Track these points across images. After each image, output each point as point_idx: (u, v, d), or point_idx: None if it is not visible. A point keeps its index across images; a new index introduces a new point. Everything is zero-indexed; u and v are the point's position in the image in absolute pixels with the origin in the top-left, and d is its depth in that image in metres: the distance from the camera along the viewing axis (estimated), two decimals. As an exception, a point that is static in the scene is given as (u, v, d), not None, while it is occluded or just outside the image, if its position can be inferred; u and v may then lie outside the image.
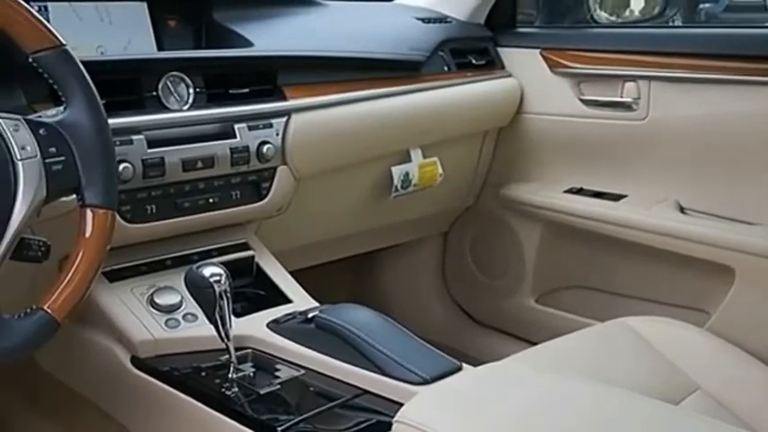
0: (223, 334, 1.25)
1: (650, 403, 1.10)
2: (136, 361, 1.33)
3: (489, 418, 1.04)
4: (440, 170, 1.89)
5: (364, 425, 1.17)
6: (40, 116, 1.09)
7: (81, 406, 1.44)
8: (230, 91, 1.49)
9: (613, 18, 2.10)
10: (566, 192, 1.95)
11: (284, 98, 1.56)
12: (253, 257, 1.55)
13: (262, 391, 1.23)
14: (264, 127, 1.50)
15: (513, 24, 2.12)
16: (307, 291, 1.51)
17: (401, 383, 1.21)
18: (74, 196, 1.09)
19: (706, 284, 1.76)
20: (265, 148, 1.49)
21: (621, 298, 1.92)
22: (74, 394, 1.46)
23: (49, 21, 1.13)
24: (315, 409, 1.20)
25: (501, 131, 2.07)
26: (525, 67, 2.01)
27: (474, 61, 1.99)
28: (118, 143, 1.24)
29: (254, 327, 1.37)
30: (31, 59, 1.08)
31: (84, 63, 1.11)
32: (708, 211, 1.77)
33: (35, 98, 1.24)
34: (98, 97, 1.11)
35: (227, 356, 1.28)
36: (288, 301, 1.48)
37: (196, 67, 1.47)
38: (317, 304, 1.45)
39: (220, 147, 1.44)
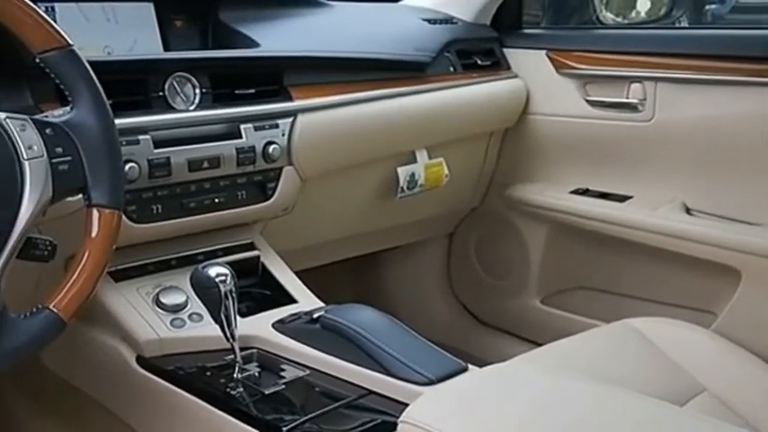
0: (228, 334, 1.25)
1: (655, 404, 1.10)
2: (141, 360, 1.34)
3: (495, 418, 1.04)
4: (446, 171, 1.89)
5: (369, 425, 1.17)
6: (46, 116, 1.09)
7: (86, 405, 1.44)
8: (236, 91, 1.50)
9: (619, 19, 2.10)
10: (571, 192, 1.95)
11: (290, 98, 1.56)
12: (258, 257, 1.55)
13: (267, 391, 1.23)
14: (270, 127, 1.51)
15: (519, 25, 2.12)
16: (312, 291, 1.51)
17: (406, 384, 1.21)
18: (80, 196, 1.09)
19: (712, 285, 1.76)
20: (271, 148, 1.49)
21: (627, 299, 1.92)
22: (79, 393, 1.46)
23: (55, 21, 1.13)
24: (320, 409, 1.20)
25: (507, 132, 2.06)
26: (531, 67, 2.01)
27: (480, 62, 1.99)
28: (124, 143, 1.24)
29: (259, 327, 1.37)
30: (38, 59, 1.08)
31: (90, 63, 1.11)
32: (714, 212, 1.77)
33: (42, 98, 1.25)
34: (105, 97, 1.11)
35: (233, 356, 1.28)
36: (293, 301, 1.48)
37: (202, 68, 1.47)
38: (322, 304, 1.45)
39: (226, 147, 1.44)
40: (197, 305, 1.35)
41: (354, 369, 1.26)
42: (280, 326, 1.38)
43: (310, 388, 1.26)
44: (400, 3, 2.18)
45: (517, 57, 2.04)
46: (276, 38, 1.67)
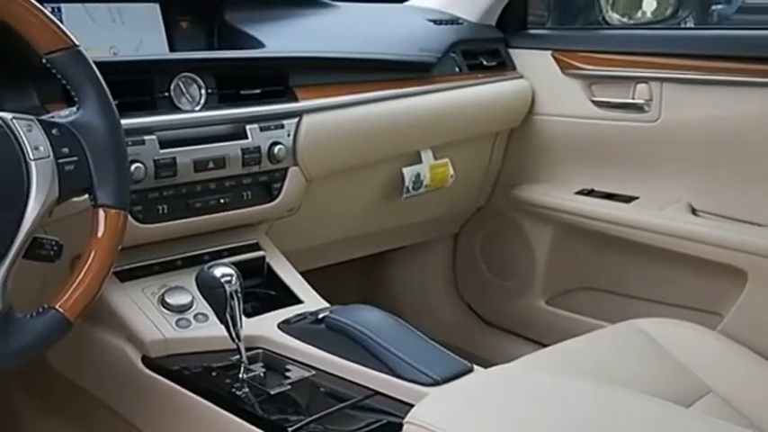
0: (234, 334, 1.26)
1: (661, 405, 1.10)
2: (146, 360, 1.34)
3: (500, 419, 1.03)
4: (451, 171, 1.89)
5: (375, 426, 1.17)
6: (52, 116, 1.09)
7: (91, 405, 1.44)
8: (242, 92, 1.50)
9: (625, 19, 2.10)
10: (577, 193, 1.95)
11: (296, 99, 1.56)
12: (264, 258, 1.55)
13: (272, 392, 1.23)
14: (276, 128, 1.51)
15: (525, 26, 2.12)
16: (317, 291, 1.51)
17: (412, 384, 1.21)
18: (86, 196, 1.10)
19: (718, 286, 1.75)
20: (277, 148, 1.49)
21: (633, 300, 1.92)
22: (84, 393, 1.46)
23: (62, 21, 1.13)
24: (325, 409, 1.20)
25: (512, 133, 2.06)
26: (537, 68, 2.01)
27: (485, 62, 1.99)
28: (130, 143, 1.25)
29: (264, 327, 1.37)
30: (44, 60, 1.08)
31: (96, 64, 1.11)
32: (720, 213, 1.77)
33: (48, 98, 1.25)
34: (111, 98, 1.11)
35: (238, 357, 1.28)
36: (298, 301, 1.48)
37: (208, 68, 1.47)
38: (327, 305, 1.45)
39: (232, 147, 1.44)
40: (202, 305, 1.35)
41: (360, 370, 1.26)
42: (285, 326, 1.37)
43: (315, 388, 1.26)
44: (405, 3, 2.18)
45: (522, 57, 2.04)
46: (282, 38, 1.67)
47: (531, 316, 2.10)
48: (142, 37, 1.58)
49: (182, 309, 1.38)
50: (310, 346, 1.32)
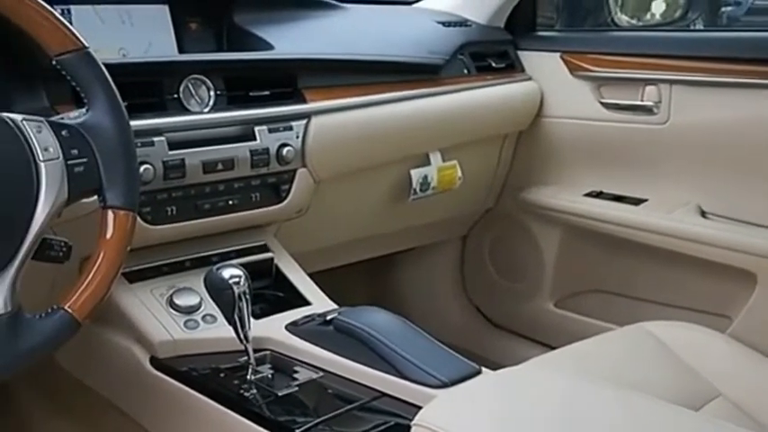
0: (242, 335, 1.26)
1: (671, 409, 1.10)
2: (155, 361, 1.34)
3: (509, 422, 1.03)
4: (459, 173, 1.89)
5: (382, 428, 1.17)
6: (62, 118, 1.10)
7: (99, 405, 1.45)
8: (251, 93, 1.50)
9: (634, 21, 2.09)
10: (586, 195, 1.95)
11: (304, 101, 1.56)
12: (272, 259, 1.55)
13: (280, 393, 1.23)
14: (284, 129, 1.51)
15: (534, 28, 2.12)
16: (325, 293, 1.51)
17: (420, 386, 1.20)
18: (95, 197, 1.10)
19: (727, 289, 1.75)
20: (285, 150, 1.49)
21: (641, 302, 1.91)
22: (92, 394, 1.46)
23: (71, 23, 1.14)
24: (333, 411, 1.20)
25: (521, 135, 2.06)
26: (545, 70, 2.01)
27: (494, 64, 1.98)
28: (139, 145, 1.25)
29: (272, 328, 1.37)
30: (54, 62, 1.09)
31: (106, 65, 1.11)
32: (730, 216, 1.76)
33: (58, 100, 1.25)
34: (120, 99, 1.11)
35: (246, 358, 1.28)
36: (306, 303, 1.48)
37: (217, 70, 1.47)
38: (335, 306, 1.45)
39: (240, 149, 1.45)
40: (211, 307, 1.35)
41: (367, 371, 1.26)
42: (293, 328, 1.38)
43: (323, 390, 1.26)
44: (414, 5, 2.18)
45: (531, 59, 2.04)
46: (290, 40, 1.67)
47: (539, 318, 2.10)
48: (151, 39, 1.58)
49: (190, 310, 1.38)
50: (318, 348, 1.32)
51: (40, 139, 1.04)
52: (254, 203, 1.50)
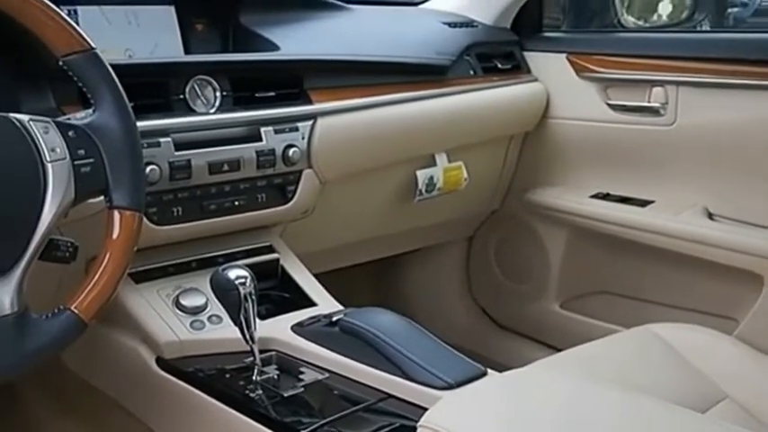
0: (248, 336, 1.26)
1: (677, 412, 1.10)
2: (161, 362, 1.34)
3: (515, 424, 1.03)
4: (465, 174, 1.89)
5: (388, 429, 1.17)
6: (69, 118, 1.10)
7: (105, 406, 1.45)
8: (257, 94, 1.50)
9: (641, 22, 2.09)
10: (592, 197, 1.95)
11: (310, 102, 1.56)
12: (278, 260, 1.55)
13: (285, 394, 1.23)
14: (290, 130, 1.51)
15: (540, 29, 2.12)
16: (331, 294, 1.51)
17: (425, 388, 1.20)
18: (101, 198, 1.10)
19: (734, 291, 1.75)
20: (291, 151, 1.49)
21: (647, 304, 1.91)
22: (98, 394, 1.47)
23: (78, 24, 1.14)
24: (338, 412, 1.20)
25: (527, 136, 2.06)
26: (552, 71, 2.01)
27: (500, 65, 1.98)
28: (145, 145, 1.25)
29: (278, 329, 1.37)
30: (61, 62, 1.09)
31: (112, 66, 1.12)
32: (736, 218, 1.76)
33: (64, 100, 1.26)
34: (126, 100, 1.11)
35: (252, 359, 1.28)
36: (312, 304, 1.48)
37: (223, 71, 1.47)
38: (341, 307, 1.45)
39: (246, 150, 1.45)
40: (216, 307, 1.36)
41: (373, 373, 1.26)
42: (299, 329, 1.38)
43: (329, 391, 1.26)
44: (420, 6, 2.18)
45: (537, 60, 2.04)
46: (296, 41, 1.67)
47: (545, 320, 2.09)
48: (158, 39, 1.58)
49: (196, 310, 1.39)
50: (324, 349, 1.32)
51: (47, 139, 1.04)
52: (260, 204, 1.50)
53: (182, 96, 1.41)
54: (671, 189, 1.85)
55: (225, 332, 1.34)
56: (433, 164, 1.84)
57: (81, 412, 1.58)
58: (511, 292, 2.18)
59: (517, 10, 2.07)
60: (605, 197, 1.93)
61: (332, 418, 1.18)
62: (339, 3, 1.90)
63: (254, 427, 1.19)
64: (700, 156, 1.80)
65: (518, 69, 2.02)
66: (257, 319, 1.26)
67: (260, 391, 1.24)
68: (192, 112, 1.42)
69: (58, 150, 1.05)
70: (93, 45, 1.10)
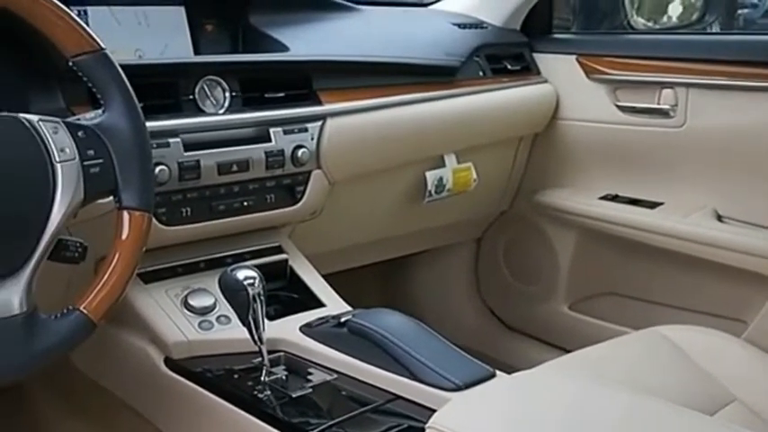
0: (256, 337, 1.26)
1: (685, 414, 1.09)
2: (169, 362, 1.34)
3: (523, 426, 1.03)
4: (474, 175, 1.88)
5: (396, 430, 1.17)
6: (78, 119, 1.10)
7: (114, 405, 1.45)
8: (266, 95, 1.50)
9: (650, 24, 2.09)
10: (601, 198, 1.94)
11: (319, 102, 1.56)
12: (286, 261, 1.55)
13: (294, 395, 1.23)
14: (299, 131, 1.51)
15: (550, 30, 2.12)
16: (339, 294, 1.51)
17: (434, 389, 1.20)
18: (111, 198, 1.10)
19: (743, 293, 1.74)
20: (300, 152, 1.49)
21: (656, 306, 1.91)
22: (107, 394, 1.47)
23: (88, 24, 1.14)
24: (347, 413, 1.20)
25: (536, 137, 2.06)
26: (561, 72, 2.00)
27: (509, 67, 1.98)
28: (155, 146, 1.25)
29: (286, 330, 1.37)
30: (70, 63, 1.09)
31: (122, 66, 1.12)
32: (746, 220, 1.75)
33: (74, 101, 1.26)
34: (136, 100, 1.12)
35: (260, 359, 1.28)
36: (321, 304, 1.48)
37: (232, 72, 1.47)
38: (350, 308, 1.45)
39: (256, 150, 1.45)
40: (225, 308, 1.36)
41: (381, 374, 1.25)
42: (307, 329, 1.37)
43: (337, 392, 1.26)
44: (430, 7, 2.18)
45: (547, 62, 2.03)
46: (306, 42, 1.67)
47: (553, 321, 2.09)
48: (167, 40, 1.59)
49: (204, 311, 1.39)
50: (332, 350, 1.32)
51: (57, 139, 1.05)
52: (269, 205, 1.50)
53: (191, 97, 1.41)
54: (680, 191, 1.85)
55: (233, 333, 1.34)
56: (443, 165, 1.83)
57: (89, 412, 1.58)
58: (519, 293, 2.18)
59: (527, 11, 2.07)
60: (614, 199, 1.93)
61: (340, 418, 1.18)
62: (348, 3, 1.91)
63: (262, 428, 1.19)
64: (709, 158, 1.80)
65: (527, 71, 2.02)
66: (266, 320, 1.26)
67: (268, 392, 1.24)
68: (201, 112, 1.42)
69: (67, 151, 1.05)
70: (102, 45, 1.10)
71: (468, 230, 2.22)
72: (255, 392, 1.24)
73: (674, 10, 2.06)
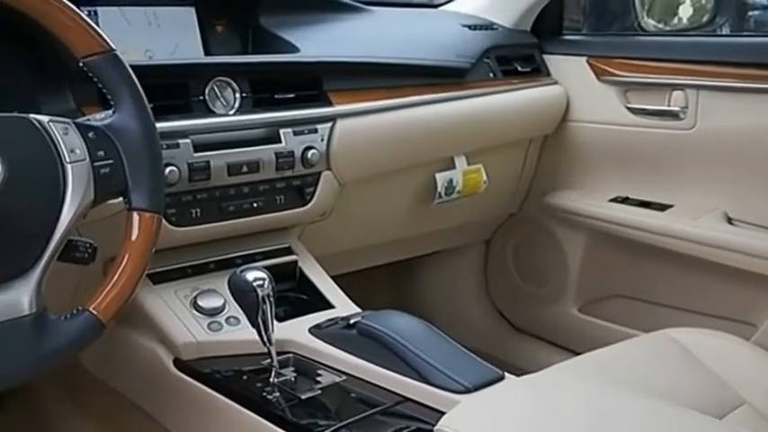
0: (265, 338, 1.26)
1: (694, 417, 1.09)
2: (178, 363, 1.34)
3: (532, 428, 1.03)
4: (484, 177, 1.88)
5: (405, 432, 1.17)
6: (88, 119, 1.10)
7: (122, 406, 1.45)
8: (276, 96, 1.50)
9: (661, 26, 2.08)
10: (611, 200, 1.94)
11: (330, 104, 1.56)
12: (296, 262, 1.55)
13: (303, 396, 1.23)
14: (309, 132, 1.51)
15: (560, 31, 2.11)
16: (348, 296, 1.51)
17: (443, 392, 1.20)
18: (121, 199, 1.10)
19: (753, 296, 1.74)
20: (310, 153, 1.49)
21: (666, 309, 1.90)
22: (116, 394, 1.47)
23: (98, 25, 1.14)
24: (355, 415, 1.19)
25: (546, 139, 2.06)
26: (571, 74, 2.00)
27: (520, 68, 1.98)
28: (165, 147, 1.25)
29: (296, 331, 1.37)
30: (81, 64, 1.09)
31: (132, 67, 1.12)
32: (756, 223, 1.75)
33: (84, 101, 1.26)
34: (146, 101, 1.12)
35: (269, 360, 1.28)
36: (330, 306, 1.48)
37: (242, 72, 1.47)
38: (359, 310, 1.45)
39: (266, 151, 1.45)
40: (234, 309, 1.36)
41: (390, 375, 1.25)
42: (316, 331, 1.37)
43: (346, 394, 1.26)
44: (440, 8, 2.18)
45: (557, 63, 2.03)
46: (316, 43, 1.67)
47: (562, 323, 2.09)
48: (178, 41, 1.59)
49: (214, 312, 1.39)
50: (341, 351, 1.32)
51: (67, 140, 1.05)
52: (279, 206, 1.50)
53: (201, 98, 1.41)
54: (690, 193, 1.84)
55: (242, 334, 1.34)
56: (453, 167, 1.83)
57: (98, 412, 1.58)
58: (529, 295, 2.18)
59: (537, 12, 2.06)
60: (624, 201, 1.93)
61: (349, 420, 1.18)
62: (359, 4, 1.91)
63: (270, 430, 1.19)
64: (719, 160, 1.79)
65: (538, 72, 2.02)
66: (275, 321, 1.26)
67: (277, 393, 1.24)
68: (211, 113, 1.42)
69: (77, 151, 1.05)
70: (113, 46, 1.10)
71: (478, 232, 2.22)
72: (264, 394, 1.24)
73: (685, 12, 2.05)
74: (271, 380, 1.27)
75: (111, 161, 1.08)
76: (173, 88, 1.38)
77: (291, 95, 1.52)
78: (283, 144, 1.47)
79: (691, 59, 1.83)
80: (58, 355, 1.04)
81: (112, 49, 1.10)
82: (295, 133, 1.49)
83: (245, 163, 1.42)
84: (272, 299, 1.24)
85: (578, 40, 2.12)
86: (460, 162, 1.84)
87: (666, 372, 1.40)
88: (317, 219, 1.60)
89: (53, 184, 1.03)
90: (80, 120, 1.09)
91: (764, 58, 1.74)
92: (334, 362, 1.31)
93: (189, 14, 1.61)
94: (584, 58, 1.97)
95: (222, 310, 1.39)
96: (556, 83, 2.01)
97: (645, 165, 1.91)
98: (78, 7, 1.09)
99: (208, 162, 1.38)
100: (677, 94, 1.83)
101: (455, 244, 2.22)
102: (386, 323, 1.30)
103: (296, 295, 1.52)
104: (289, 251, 1.56)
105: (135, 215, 1.10)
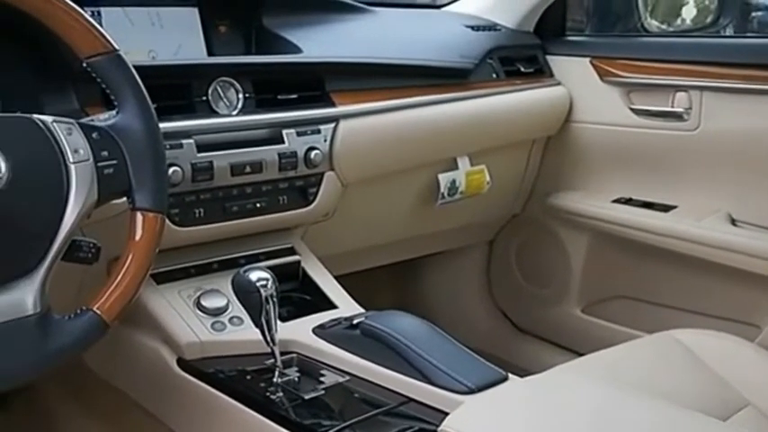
0: (268, 338, 1.26)
1: (698, 418, 1.09)
2: (181, 363, 1.34)
3: (536, 429, 1.03)
4: (487, 178, 1.88)
5: (408, 433, 1.17)
6: (92, 120, 1.10)
7: (126, 406, 1.45)
8: (279, 96, 1.50)
9: (664, 27, 2.08)
10: (614, 201, 1.94)
11: (332, 104, 1.56)
12: (299, 262, 1.55)
13: (306, 396, 1.23)
14: (312, 133, 1.51)
15: (563, 32, 2.11)
16: (351, 296, 1.51)
17: (446, 392, 1.20)
18: (124, 199, 1.10)
19: (756, 298, 1.73)
20: (313, 153, 1.49)
21: (669, 310, 1.90)
22: (119, 394, 1.47)
23: (101, 25, 1.14)
24: (359, 415, 1.19)
25: (549, 140, 2.05)
26: (575, 75, 2.00)
27: (523, 69, 1.98)
28: (168, 147, 1.25)
29: (299, 331, 1.37)
30: (84, 64, 1.09)
31: (136, 68, 1.12)
32: (760, 224, 1.75)
33: (88, 102, 1.26)
34: (149, 102, 1.12)
35: (273, 360, 1.28)
36: (333, 306, 1.48)
37: (246, 73, 1.48)
38: (362, 310, 1.45)
39: (269, 152, 1.45)
40: (238, 309, 1.35)
41: (394, 376, 1.25)
42: (320, 331, 1.37)
43: (349, 394, 1.26)
44: (443, 9, 2.18)
45: (560, 64, 2.03)
46: (319, 43, 1.67)
47: (566, 324, 2.09)
48: (181, 41, 1.59)
49: (217, 312, 1.39)
50: (345, 352, 1.31)
51: (71, 140, 1.05)
52: (282, 206, 1.50)
53: (204, 98, 1.42)
54: (694, 195, 1.84)
55: (246, 334, 1.34)
56: (456, 167, 1.83)
57: (102, 412, 1.58)
58: (532, 296, 2.18)
59: (540, 13, 2.06)
60: (628, 202, 1.93)
61: (352, 421, 1.18)
62: (362, 5, 1.90)
63: (274, 429, 1.19)
64: (723, 161, 1.79)
65: (541, 73, 2.02)
66: (278, 321, 1.26)
67: (280, 393, 1.24)
68: (214, 113, 1.42)
69: (81, 152, 1.05)
70: (116, 47, 1.10)
71: (481, 233, 2.22)
72: (268, 394, 1.24)
73: (688, 12, 2.05)
74: (274, 380, 1.27)
75: (114, 161, 1.08)
76: (176, 89, 1.38)
77: (294, 96, 1.52)
78: (286, 144, 1.47)
79: (694, 60, 1.83)
80: (62, 355, 1.05)
81: (116, 50, 1.10)
82: (298, 134, 1.49)
83: (248, 163, 1.42)
84: (275, 299, 1.24)
85: (581, 41, 2.12)
86: (463, 163, 1.84)
87: (670, 373, 1.40)
88: (320, 219, 1.60)
89: (57, 185, 1.04)
90: (84, 120, 1.09)
91: (768, 60, 1.74)
92: (337, 362, 1.31)
93: (192, 15, 1.61)
94: (587, 59, 1.97)
95: (225, 310, 1.39)
96: (559, 84, 2.01)
97: (648, 166, 1.91)
98: (81, 8, 1.09)
99: (211, 162, 1.38)
100: (681, 95, 1.83)
101: (458, 244, 2.22)
102: (389, 323, 1.30)
103: (299, 295, 1.52)
104: (292, 251, 1.56)
105: (138, 215, 1.10)
